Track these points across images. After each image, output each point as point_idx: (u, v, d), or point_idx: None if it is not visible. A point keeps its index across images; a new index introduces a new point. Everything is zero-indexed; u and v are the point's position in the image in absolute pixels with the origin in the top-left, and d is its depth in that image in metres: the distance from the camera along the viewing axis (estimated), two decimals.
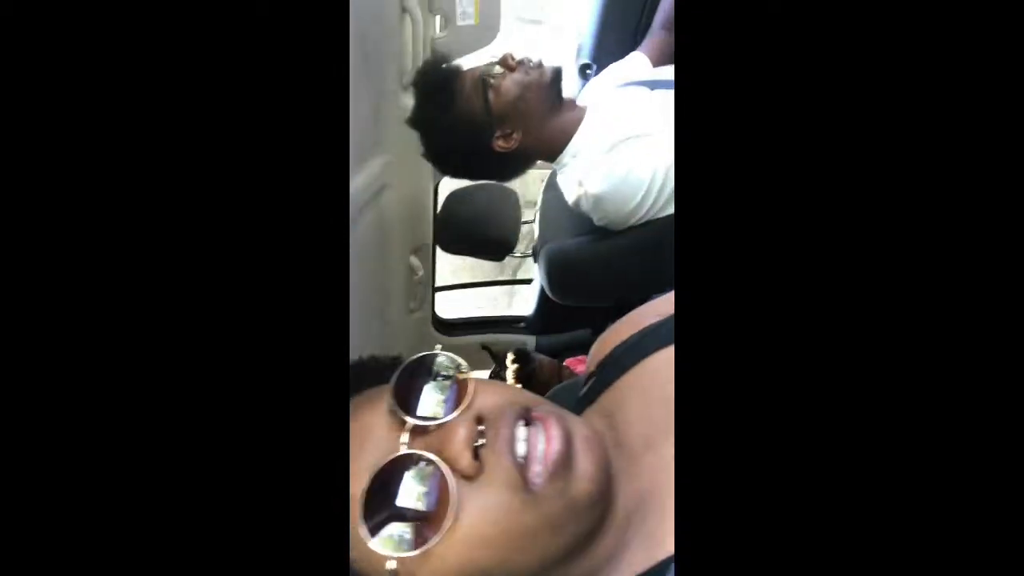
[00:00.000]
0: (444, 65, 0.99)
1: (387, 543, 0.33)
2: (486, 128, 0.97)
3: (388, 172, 1.10)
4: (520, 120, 0.97)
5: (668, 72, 1.09)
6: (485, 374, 1.52)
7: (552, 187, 1.19)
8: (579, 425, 0.36)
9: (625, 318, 0.51)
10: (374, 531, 0.33)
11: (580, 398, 0.49)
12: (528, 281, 1.70)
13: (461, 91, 0.97)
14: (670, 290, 0.50)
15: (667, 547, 0.35)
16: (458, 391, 0.37)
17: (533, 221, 1.29)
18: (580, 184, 0.97)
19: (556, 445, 0.34)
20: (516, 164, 1.05)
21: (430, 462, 0.34)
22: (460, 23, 1.09)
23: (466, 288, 1.84)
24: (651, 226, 0.95)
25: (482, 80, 0.97)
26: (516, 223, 1.25)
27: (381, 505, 0.34)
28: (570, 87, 1.27)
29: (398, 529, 0.33)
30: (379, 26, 0.98)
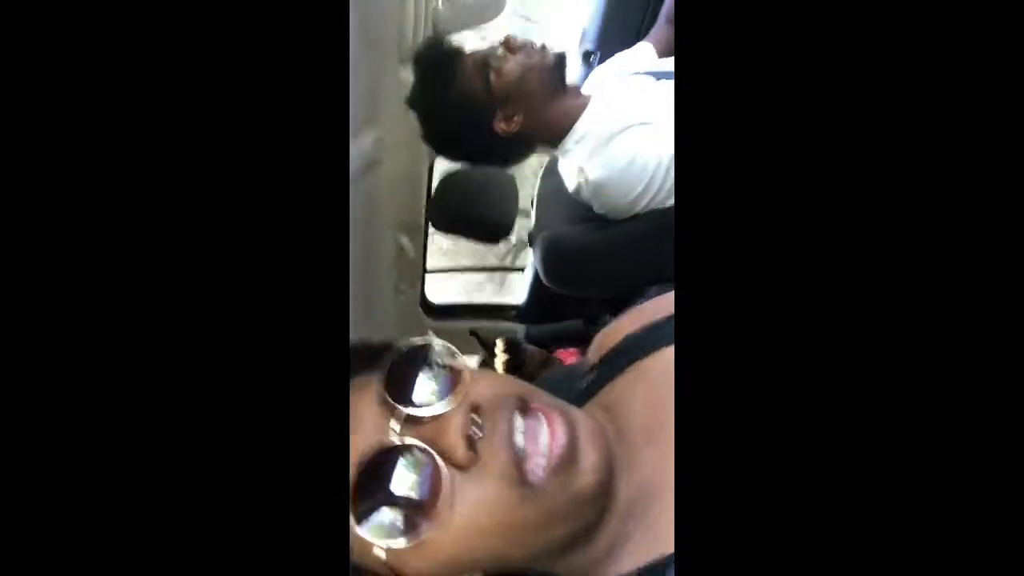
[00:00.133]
0: (445, 45, 0.98)
1: (378, 532, 0.32)
2: (487, 110, 0.96)
3: (381, 148, 1.08)
4: (522, 103, 0.96)
5: (674, 63, 1.07)
6: (474, 360, 1.51)
7: (552, 173, 1.18)
8: (583, 418, 0.35)
9: (630, 312, 0.51)
10: (364, 520, 0.32)
11: (581, 391, 0.48)
12: (521, 269, 1.68)
13: (462, 71, 0.95)
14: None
15: (669, 543, 0.34)
16: (453, 380, 0.36)
17: (531, 207, 1.27)
18: (582, 171, 0.96)
19: (561, 439, 0.33)
20: (518, 148, 1.04)
21: (424, 452, 0.33)
22: None
23: (457, 272, 1.82)
24: (652, 217, 0.94)
25: (484, 61, 0.95)
26: (513, 206, 1.23)
27: (372, 495, 0.33)
28: (574, 73, 1.25)
29: (389, 519, 0.33)
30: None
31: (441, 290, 1.72)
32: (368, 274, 1.24)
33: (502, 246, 1.33)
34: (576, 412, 0.36)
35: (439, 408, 0.34)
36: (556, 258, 1.07)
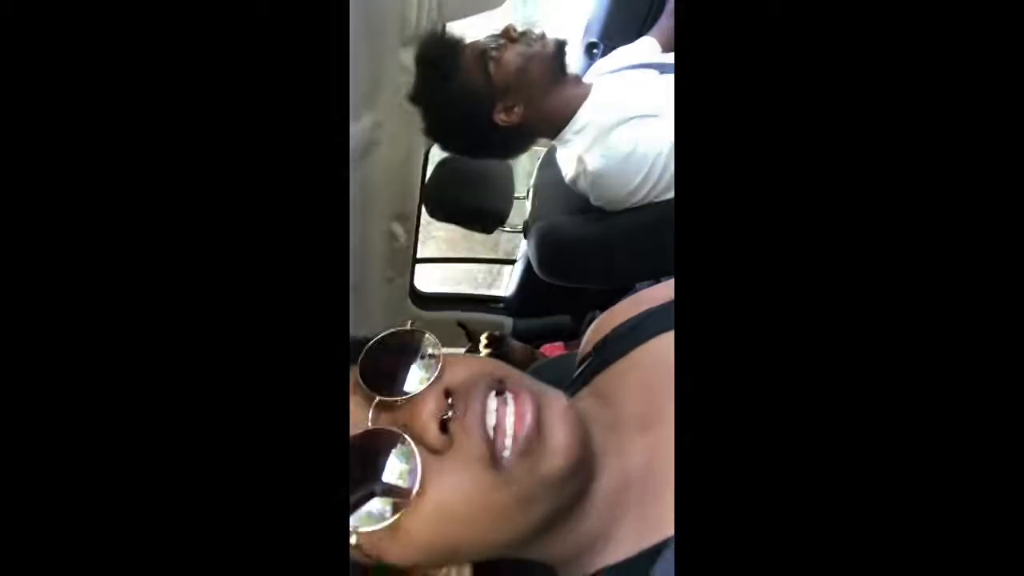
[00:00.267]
0: (444, 38, 0.97)
1: (352, 517, 0.32)
2: (487, 101, 0.95)
3: (378, 131, 1.06)
4: (522, 92, 0.95)
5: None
6: (459, 352, 1.50)
7: (549, 164, 1.17)
8: (553, 398, 0.35)
9: (626, 301, 0.51)
10: None
11: (574, 379, 0.49)
12: (511, 261, 1.67)
13: (462, 64, 0.94)
14: (670, 277, 0.50)
15: (661, 531, 0.34)
16: (427, 366, 0.36)
17: (525, 197, 1.26)
18: (581, 160, 0.95)
19: (526, 421, 0.33)
20: (518, 139, 1.03)
21: (397, 436, 0.33)
22: None
23: (449, 263, 1.81)
24: (649, 210, 0.94)
25: (483, 52, 0.94)
26: (509, 195, 1.22)
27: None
28: (574, 63, 1.24)
29: (363, 504, 0.32)
30: None
31: (430, 279, 1.70)
32: (359, 261, 1.23)
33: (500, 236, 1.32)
34: (546, 392, 0.35)
35: (412, 392, 0.34)
36: (551, 249, 1.06)
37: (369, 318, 1.34)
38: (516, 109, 0.96)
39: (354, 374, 0.35)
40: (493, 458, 0.32)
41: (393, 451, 0.32)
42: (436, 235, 1.72)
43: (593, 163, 0.93)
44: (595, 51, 1.35)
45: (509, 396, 0.34)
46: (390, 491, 0.32)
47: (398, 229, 1.28)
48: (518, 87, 0.94)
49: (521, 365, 1.34)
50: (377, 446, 0.33)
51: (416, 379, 0.35)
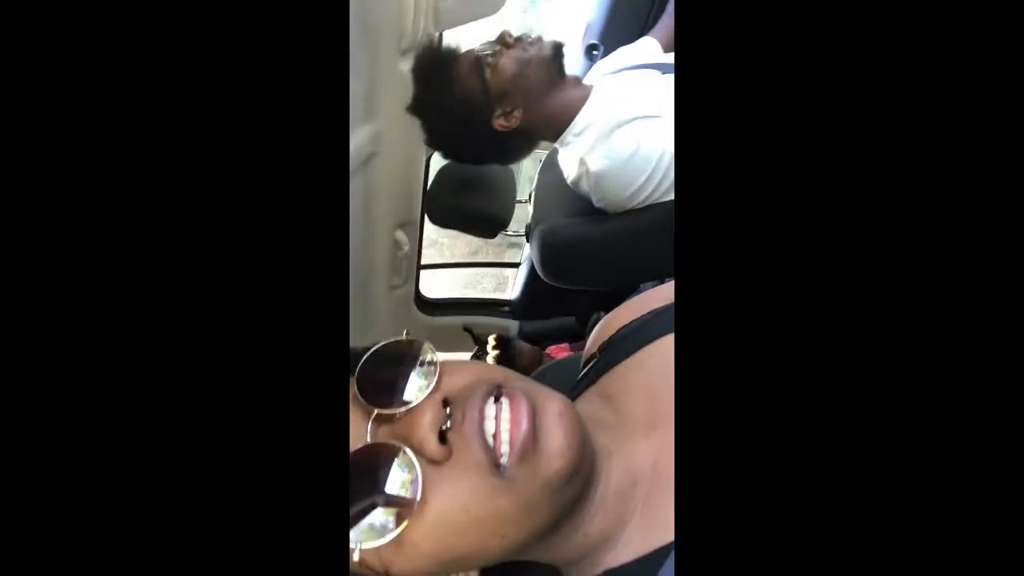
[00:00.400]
0: (440, 48, 0.97)
1: (353, 533, 0.31)
2: (485, 108, 0.95)
3: (378, 141, 1.07)
4: (520, 97, 0.95)
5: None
6: (466, 356, 1.50)
7: (550, 166, 1.17)
8: (549, 400, 0.34)
9: (630, 301, 0.51)
10: None
11: (580, 379, 0.48)
12: (515, 265, 1.67)
13: (458, 73, 0.95)
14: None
15: (668, 533, 0.34)
16: (426, 376, 0.35)
17: (527, 200, 1.26)
18: (582, 162, 0.95)
19: (521, 426, 0.32)
20: (519, 144, 1.03)
21: (397, 449, 0.32)
22: None
23: (452, 268, 1.81)
24: (651, 211, 0.94)
25: (478, 59, 0.94)
26: (511, 199, 1.22)
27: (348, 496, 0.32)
28: (573, 64, 1.24)
29: (366, 519, 0.32)
30: None
31: (435, 285, 1.71)
32: (362, 269, 1.23)
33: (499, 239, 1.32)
34: (543, 394, 0.35)
35: (410, 404, 0.34)
36: (553, 251, 1.05)
37: (375, 327, 1.35)
38: (515, 114, 0.96)
39: (352, 388, 0.35)
40: (493, 465, 0.32)
41: (393, 464, 0.32)
42: (440, 241, 1.72)
43: (595, 165, 0.93)
44: (595, 52, 1.35)
45: (505, 401, 0.33)
46: (392, 504, 0.32)
47: (402, 237, 1.28)
48: (515, 92, 0.94)
49: (528, 366, 1.34)
50: (377, 460, 0.32)
51: (414, 387, 0.35)
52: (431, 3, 1.02)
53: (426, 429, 0.32)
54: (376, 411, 0.34)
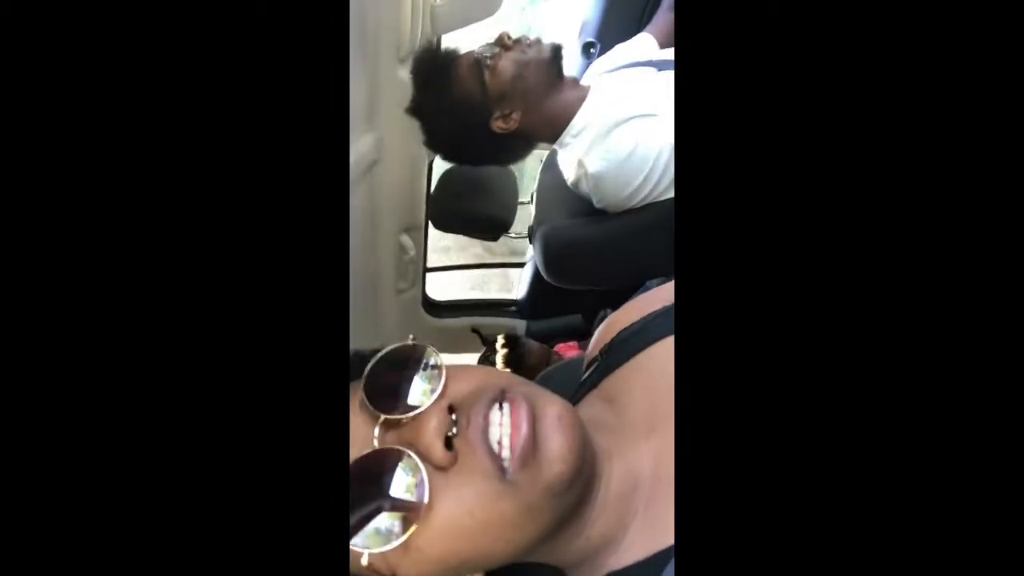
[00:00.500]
0: (439, 50, 0.97)
1: (361, 538, 0.32)
2: (484, 110, 0.95)
3: (380, 148, 1.07)
4: (519, 99, 0.95)
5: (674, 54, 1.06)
6: (475, 357, 1.51)
7: (551, 167, 1.17)
8: (550, 404, 0.34)
9: (631, 303, 0.51)
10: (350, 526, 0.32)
11: (582, 382, 0.49)
12: (520, 264, 1.68)
13: (457, 75, 0.95)
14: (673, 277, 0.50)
15: (670, 535, 0.34)
16: (431, 380, 0.36)
17: (529, 202, 1.27)
18: (581, 163, 0.95)
19: (522, 432, 0.33)
20: (517, 146, 1.03)
21: (403, 455, 0.33)
22: None
23: (458, 270, 1.82)
24: (651, 210, 0.94)
25: (477, 61, 0.94)
26: (512, 202, 1.23)
27: (353, 501, 0.32)
28: (571, 65, 1.25)
29: (373, 524, 0.32)
30: None
31: (442, 287, 1.71)
32: (369, 274, 1.24)
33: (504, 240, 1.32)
34: (543, 398, 0.35)
35: (415, 410, 0.34)
36: (555, 252, 1.06)
37: (382, 331, 1.36)
38: (513, 116, 0.96)
39: (360, 393, 0.36)
40: (497, 471, 0.32)
41: (400, 469, 0.33)
42: (445, 244, 1.73)
43: (593, 166, 0.93)
44: (592, 50, 1.35)
45: (506, 406, 0.34)
46: (399, 508, 0.32)
47: (407, 241, 1.29)
48: (514, 94, 0.94)
49: (537, 365, 1.34)
50: (384, 465, 0.33)
51: (419, 392, 0.35)
52: (428, 9, 1.03)
53: (432, 435, 0.33)
54: (383, 417, 0.35)
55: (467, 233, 1.27)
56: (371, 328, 1.31)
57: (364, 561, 0.32)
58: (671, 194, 0.92)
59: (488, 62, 0.94)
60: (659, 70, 1.00)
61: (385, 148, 1.09)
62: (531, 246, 1.20)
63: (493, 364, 1.39)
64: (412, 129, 1.02)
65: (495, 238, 1.25)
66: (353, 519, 0.32)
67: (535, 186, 1.27)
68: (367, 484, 0.32)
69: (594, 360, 0.49)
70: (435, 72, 0.95)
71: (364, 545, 0.32)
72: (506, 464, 0.32)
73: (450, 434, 0.33)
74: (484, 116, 0.96)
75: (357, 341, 0.36)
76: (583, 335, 1.42)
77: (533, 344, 1.42)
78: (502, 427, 0.33)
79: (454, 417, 0.34)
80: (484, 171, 1.19)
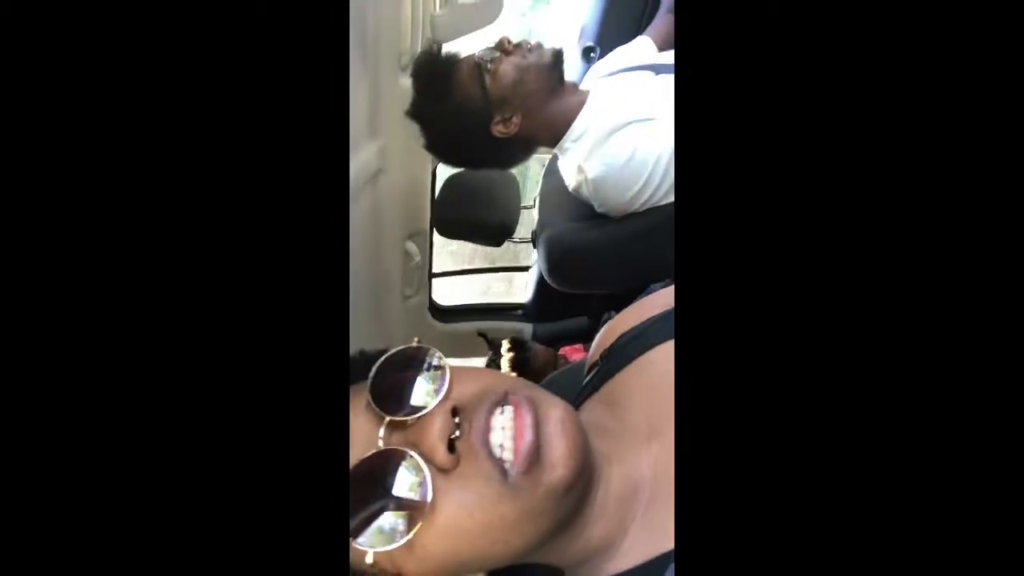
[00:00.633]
0: (440, 54, 0.98)
1: (366, 537, 0.33)
2: (485, 114, 0.96)
3: (384, 157, 1.08)
4: (519, 104, 0.96)
5: (674, 56, 1.06)
6: (481, 361, 1.51)
7: (553, 172, 1.18)
8: (552, 408, 0.35)
9: (631, 307, 0.51)
10: (353, 526, 0.33)
11: (583, 387, 0.49)
12: (526, 268, 1.68)
13: (457, 79, 0.95)
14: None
15: (670, 539, 0.34)
16: (435, 384, 0.37)
17: (533, 206, 1.28)
18: (581, 169, 0.96)
19: (526, 437, 0.33)
20: (517, 150, 1.04)
21: (407, 456, 0.34)
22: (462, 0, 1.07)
23: (463, 275, 1.82)
24: (652, 214, 0.94)
25: (478, 65, 0.95)
26: (516, 207, 1.23)
27: (359, 501, 0.33)
28: (572, 70, 1.25)
29: (378, 523, 0.33)
30: (378, 4, 0.96)
31: (448, 292, 1.72)
32: (375, 281, 1.24)
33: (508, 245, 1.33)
34: (546, 402, 0.35)
35: (419, 412, 0.35)
36: (558, 257, 1.06)
37: (390, 338, 1.36)
38: (514, 120, 0.96)
39: (366, 394, 0.36)
40: (499, 474, 0.33)
41: (404, 469, 0.33)
42: (450, 249, 1.74)
43: (593, 171, 0.93)
44: (592, 55, 1.36)
45: (509, 410, 0.34)
46: (403, 508, 0.33)
47: (412, 248, 1.30)
48: (515, 98, 0.95)
49: (543, 367, 1.35)
50: (387, 466, 0.34)
51: (423, 392, 0.36)
52: (428, 19, 1.04)
53: (435, 438, 0.33)
54: (388, 418, 0.35)
55: (470, 239, 1.27)
56: (378, 335, 1.31)
57: (369, 560, 0.32)
58: (672, 198, 0.92)
59: (489, 66, 0.94)
60: (656, 74, 1.01)
61: (388, 156, 1.10)
62: (535, 251, 1.20)
63: (499, 368, 1.39)
64: (415, 137, 1.02)
65: (499, 244, 1.26)
66: (358, 518, 0.33)
67: (538, 191, 1.28)
68: (372, 484, 0.33)
69: (595, 364, 0.50)
70: (436, 75, 0.96)
71: (369, 544, 0.32)
72: (508, 467, 0.33)
73: (453, 437, 0.34)
74: (484, 120, 0.96)
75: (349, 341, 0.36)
76: (589, 337, 1.42)
77: (539, 348, 1.43)
78: (504, 431, 0.34)
79: (457, 420, 0.35)
80: (487, 177, 1.19)
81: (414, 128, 1.01)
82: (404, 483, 0.33)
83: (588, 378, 0.49)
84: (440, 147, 1.04)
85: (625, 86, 1.01)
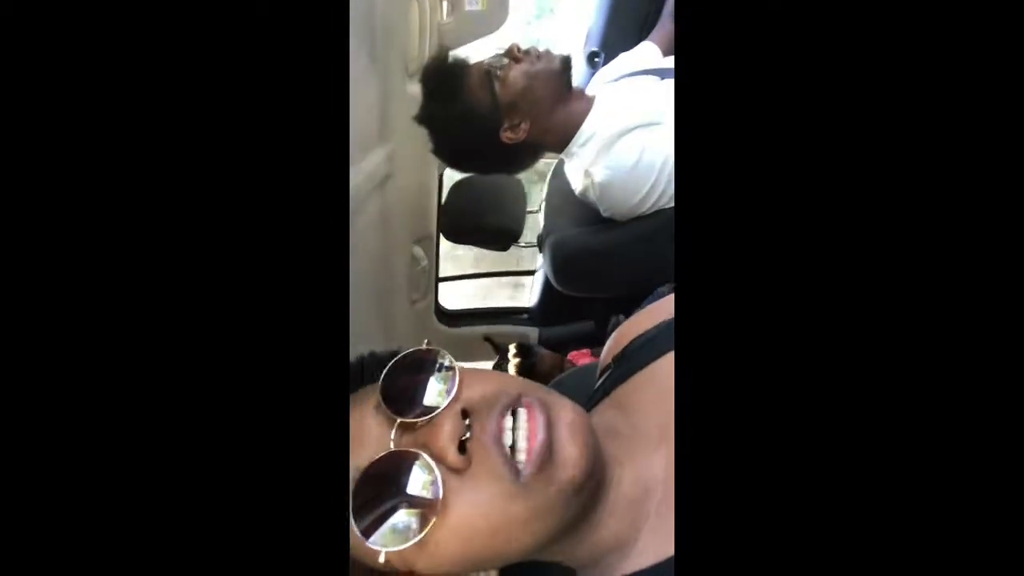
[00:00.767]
0: (450, 59, 0.98)
1: (378, 537, 0.33)
2: (494, 120, 0.96)
3: (392, 162, 1.09)
4: (528, 110, 0.96)
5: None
6: (488, 365, 1.51)
7: (559, 176, 1.18)
8: (564, 410, 0.35)
9: (643, 311, 0.51)
10: (365, 525, 0.33)
11: (595, 390, 0.49)
12: (531, 272, 1.69)
13: (467, 84, 0.96)
14: None
15: None
16: (446, 384, 0.37)
17: (538, 211, 1.28)
18: (588, 173, 0.96)
19: (538, 437, 0.34)
20: (524, 155, 1.04)
21: (419, 457, 0.34)
22: (468, 8, 1.08)
23: (470, 279, 1.83)
24: (658, 217, 0.94)
25: (488, 72, 0.96)
26: (522, 212, 1.24)
27: (371, 501, 0.34)
28: (578, 77, 1.26)
29: (390, 522, 0.33)
30: (385, 12, 0.97)
31: (455, 297, 1.73)
32: (383, 285, 1.25)
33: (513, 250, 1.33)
34: (557, 404, 0.36)
35: (430, 413, 0.35)
36: (565, 261, 1.07)
37: (397, 342, 1.36)
38: (522, 126, 0.97)
39: (377, 396, 0.37)
40: (510, 474, 0.33)
41: (415, 469, 0.34)
42: (456, 253, 1.75)
43: (600, 176, 0.94)
44: (597, 60, 1.36)
45: (522, 412, 0.35)
46: (415, 507, 0.33)
47: (419, 252, 1.31)
48: (524, 105, 0.96)
49: (550, 372, 1.35)
50: (399, 467, 0.34)
51: (434, 393, 0.36)
52: (435, 26, 1.05)
53: (446, 439, 0.34)
54: (399, 420, 0.36)
55: (477, 244, 1.28)
56: (386, 339, 1.32)
57: (382, 559, 0.33)
58: None
59: (499, 73, 0.95)
60: (662, 78, 1.01)
61: (396, 162, 1.11)
62: (540, 255, 1.21)
63: (506, 372, 1.39)
64: (423, 143, 1.03)
65: (505, 248, 1.27)
66: (371, 518, 0.33)
67: (544, 195, 1.28)
68: (384, 485, 0.34)
69: (607, 368, 0.50)
70: (445, 81, 0.97)
71: (382, 543, 0.33)
72: (520, 467, 0.33)
73: (464, 438, 0.34)
74: (493, 126, 0.97)
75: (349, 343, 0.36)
76: (596, 341, 1.42)
77: (545, 352, 1.43)
78: (516, 432, 0.34)
79: (467, 422, 0.35)
80: (493, 182, 1.20)
81: (422, 134, 1.02)
82: (416, 483, 0.34)
83: (600, 382, 0.50)
84: (447, 152, 1.05)
85: (631, 91, 1.01)
